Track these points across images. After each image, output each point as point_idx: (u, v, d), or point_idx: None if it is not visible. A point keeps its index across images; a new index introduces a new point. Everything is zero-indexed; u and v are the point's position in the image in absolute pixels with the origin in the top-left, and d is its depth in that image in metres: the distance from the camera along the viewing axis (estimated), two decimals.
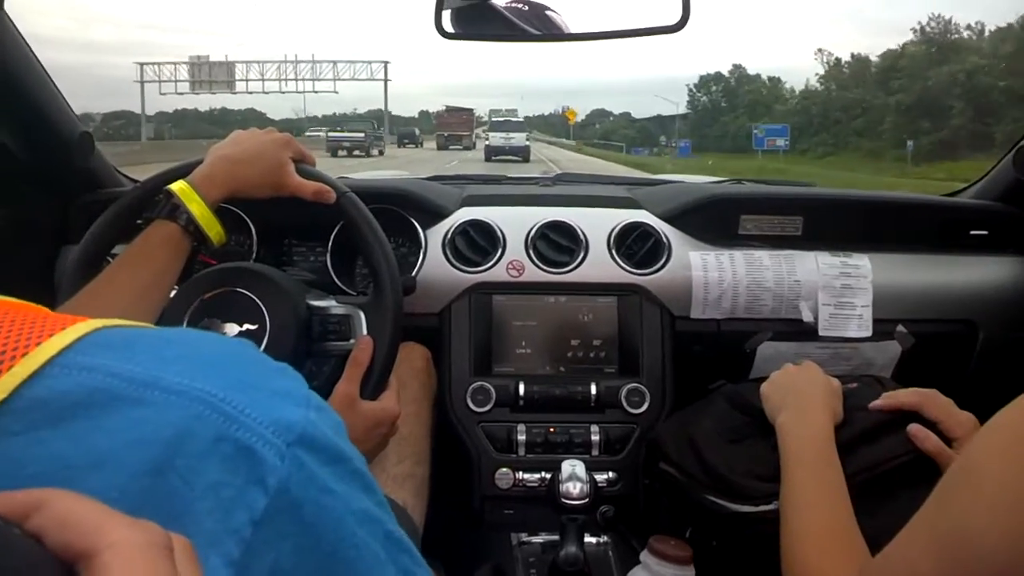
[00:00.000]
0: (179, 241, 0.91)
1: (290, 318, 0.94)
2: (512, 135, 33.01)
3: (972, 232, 1.32)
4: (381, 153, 34.96)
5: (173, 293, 0.96)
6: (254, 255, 1.22)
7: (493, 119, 37.37)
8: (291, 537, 0.36)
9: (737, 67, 62.86)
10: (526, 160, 29.26)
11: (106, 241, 0.99)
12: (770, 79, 59.85)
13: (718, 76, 62.70)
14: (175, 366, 0.36)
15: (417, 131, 50.47)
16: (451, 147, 39.71)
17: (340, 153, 31.93)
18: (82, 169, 1.29)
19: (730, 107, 58.33)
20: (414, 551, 0.45)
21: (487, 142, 34.04)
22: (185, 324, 0.91)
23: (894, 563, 0.57)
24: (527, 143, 33.36)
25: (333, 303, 1.00)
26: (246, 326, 0.92)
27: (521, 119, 39.17)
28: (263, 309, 0.93)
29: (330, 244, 1.23)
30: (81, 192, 1.31)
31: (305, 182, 0.97)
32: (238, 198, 0.96)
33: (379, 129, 40.30)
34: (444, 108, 49.92)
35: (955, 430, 0.83)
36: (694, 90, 63.40)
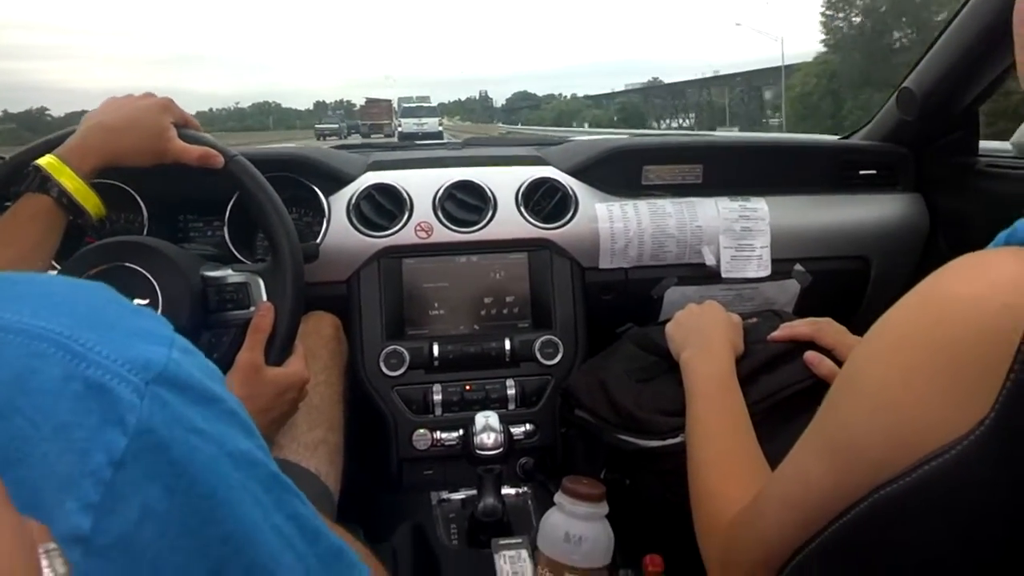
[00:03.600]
0: (51, 215, 0.85)
1: (183, 289, 0.90)
2: (425, 120, 35.08)
3: (862, 172, 1.38)
4: (346, 137, 44.07)
5: (54, 273, 0.91)
6: (146, 232, 1.16)
7: (404, 105, 39.12)
8: (160, 478, 0.34)
9: None
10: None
11: None
12: None
13: None
14: (16, 305, 0.34)
15: (359, 122, 58.49)
16: (373, 135, 43.74)
17: (320, 139, 41.13)
18: None
19: None
20: (300, 493, 0.44)
21: (399, 128, 36.45)
22: None
23: (788, 473, 0.59)
24: (440, 128, 35.21)
25: (229, 272, 0.97)
26: (136, 301, 0.88)
27: (434, 105, 42.59)
28: (153, 282, 0.89)
29: (227, 215, 1.18)
30: None
31: (189, 147, 0.92)
32: (117, 167, 0.91)
33: (343, 121, 54.17)
34: (365, 100, 59.99)
35: (847, 355, 0.86)
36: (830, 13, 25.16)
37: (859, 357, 0.53)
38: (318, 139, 40.91)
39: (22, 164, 0.88)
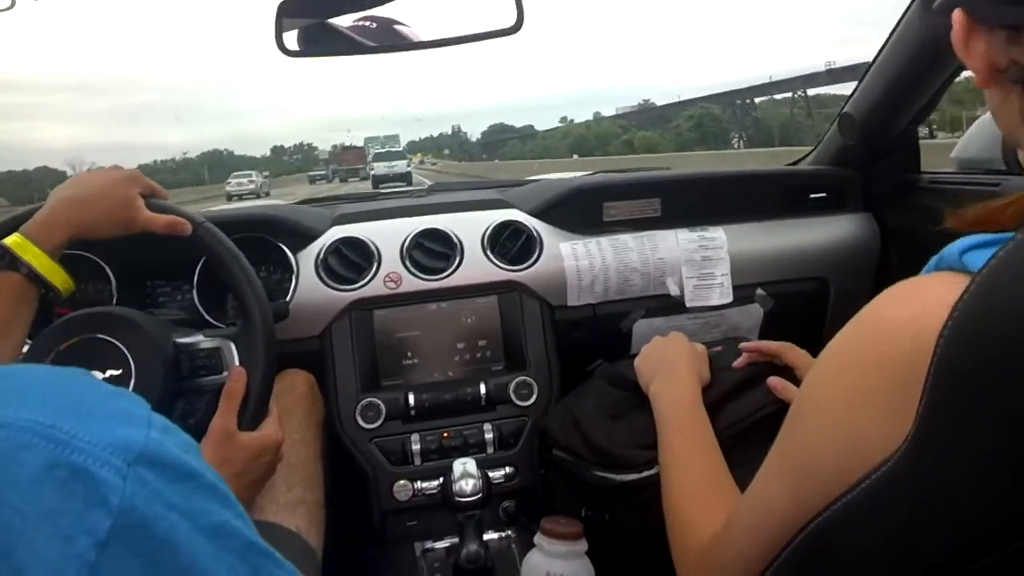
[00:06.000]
0: (23, 291, 0.86)
1: (155, 358, 0.91)
2: (395, 163, 40.12)
3: (812, 195, 1.43)
4: (331, 181, 55.14)
5: (26, 348, 0.91)
6: (115, 300, 1.17)
7: (375, 151, 44.63)
8: (143, 554, 0.35)
9: None
10: (409, 184, 33.20)
11: None
12: None
13: None
14: (0, 400, 0.35)
15: (336, 167, 67.27)
16: (350, 179, 50.69)
17: (312, 183, 52.91)
18: None
19: None
20: (278, 557, 0.45)
21: (372, 172, 40.65)
22: None
23: (751, 497, 0.61)
24: (409, 169, 40.42)
25: (201, 337, 0.97)
26: (109, 372, 0.89)
27: (401, 148, 51.53)
28: (125, 353, 0.90)
29: (195, 279, 1.19)
30: None
31: (156, 216, 0.94)
32: (85, 239, 0.92)
33: (328, 168, 64.93)
34: (340, 147, 70.23)
35: None
36: None
37: (810, 382, 0.56)
38: (311, 183, 53.11)
39: None
